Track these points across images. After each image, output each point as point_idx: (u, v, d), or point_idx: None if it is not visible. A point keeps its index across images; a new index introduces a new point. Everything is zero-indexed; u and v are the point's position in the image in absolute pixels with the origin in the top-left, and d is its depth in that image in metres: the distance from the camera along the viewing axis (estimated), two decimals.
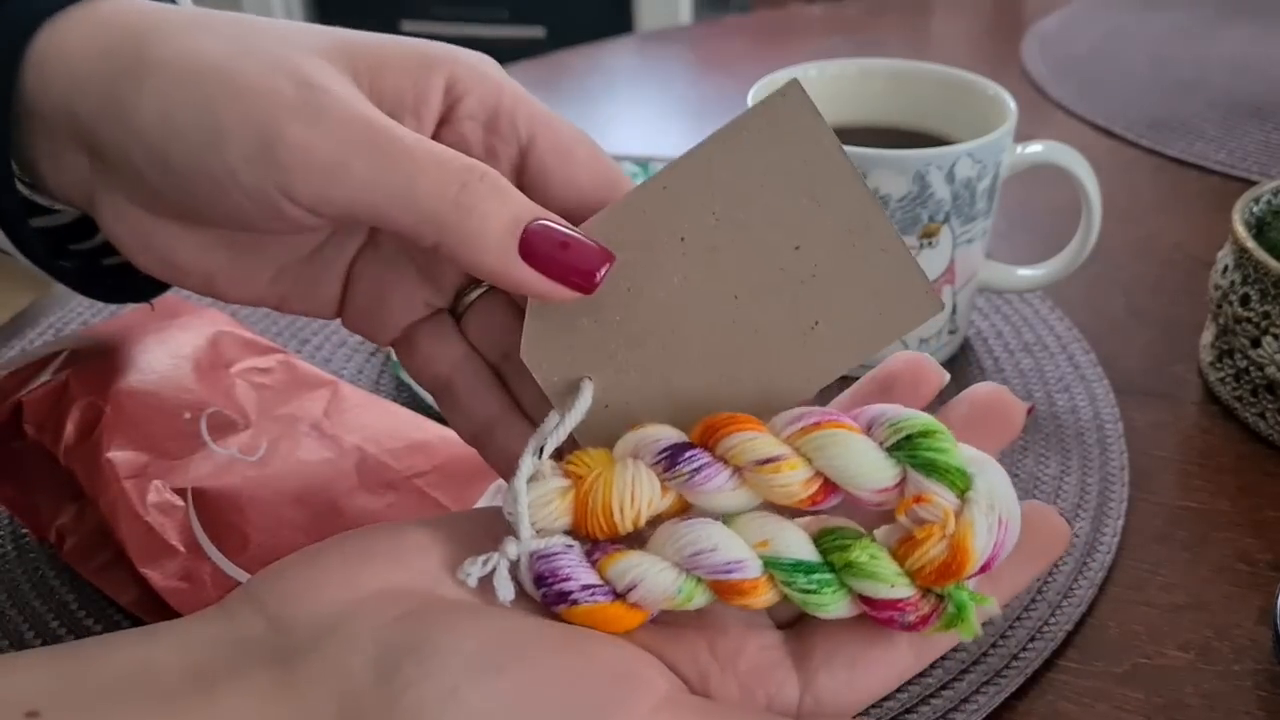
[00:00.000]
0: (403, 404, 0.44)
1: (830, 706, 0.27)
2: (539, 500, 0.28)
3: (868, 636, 0.28)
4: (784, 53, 0.89)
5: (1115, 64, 0.85)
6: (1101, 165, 0.50)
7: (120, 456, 0.36)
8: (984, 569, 0.27)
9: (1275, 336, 0.45)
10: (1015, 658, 0.37)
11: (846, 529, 0.28)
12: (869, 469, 0.27)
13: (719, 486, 0.28)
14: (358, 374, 0.51)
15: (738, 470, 0.28)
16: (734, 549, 0.28)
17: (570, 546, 0.28)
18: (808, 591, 0.27)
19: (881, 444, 0.28)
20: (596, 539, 0.29)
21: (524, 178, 0.30)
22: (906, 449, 0.27)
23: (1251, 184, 0.58)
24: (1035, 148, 0.48)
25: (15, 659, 0.25)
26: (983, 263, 0.50)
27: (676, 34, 1.06)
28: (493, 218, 0.27)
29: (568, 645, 0.26)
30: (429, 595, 0.27)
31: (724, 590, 0.28)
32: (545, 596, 0.28)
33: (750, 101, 0.48)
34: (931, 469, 0.27)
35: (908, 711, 0.35)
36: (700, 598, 0.28)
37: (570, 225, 0.28)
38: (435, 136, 0.29)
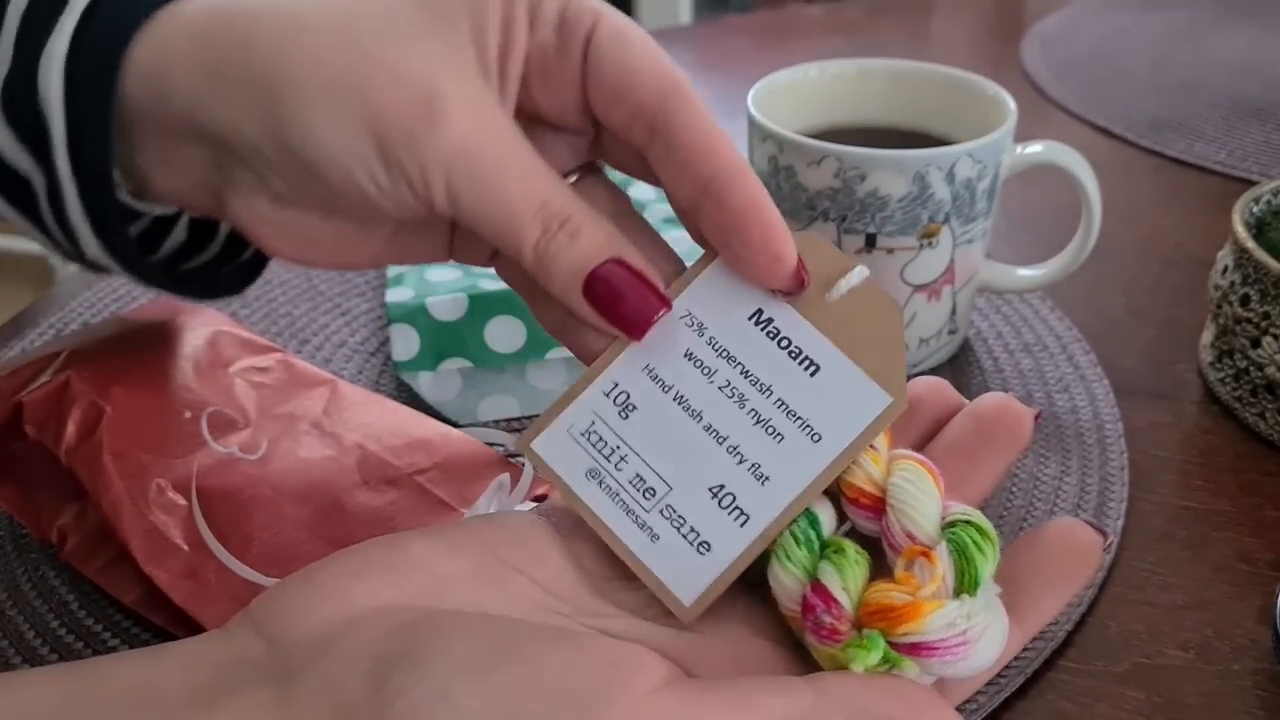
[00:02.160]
0: (403, 403, 0.44)
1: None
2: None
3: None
4: (784, 53, 0.89)
5: (1115, 64, 0.85)
6: (1101, 165, 0.50)
7: (121, 456, 0.36)
8: (915, 650, 0.26)
9: (1275, 337, 0.45)
10: (1015, 658, 0.37)
11: (851, 543, 0.28)
12: (923, 511, 0.28)
13: None
14: (358, 374, 0.51)
15: None
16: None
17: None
18: (794, 539, 0.28)
19: (943, 517, 0.28)
20: None
21: (587, 68, 0.31)
22: (958, 529, 0.27)
23: (1251, 184, 0.58)
24: (1035, 148, 0.48)
25: (19, 677, 0.26)
26: (983, 263, 0.50)
27: (676, 34, 1.06)
28: (561, 264, 0.30)
29: (561, 641, 0.26)
30: (426, 608, 0.27)
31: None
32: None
33: (750, 103, 0.48)
34: (960, 551, 0.27)
35: None
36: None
37: (641, 265, 0.30)
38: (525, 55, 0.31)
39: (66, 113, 0.30)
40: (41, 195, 0.32)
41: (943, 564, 0.27)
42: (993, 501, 0.43)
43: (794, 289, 0.30)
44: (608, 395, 0.30)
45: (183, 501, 0.36)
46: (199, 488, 0.37)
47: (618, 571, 0.29)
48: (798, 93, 0.52)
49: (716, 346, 0.30)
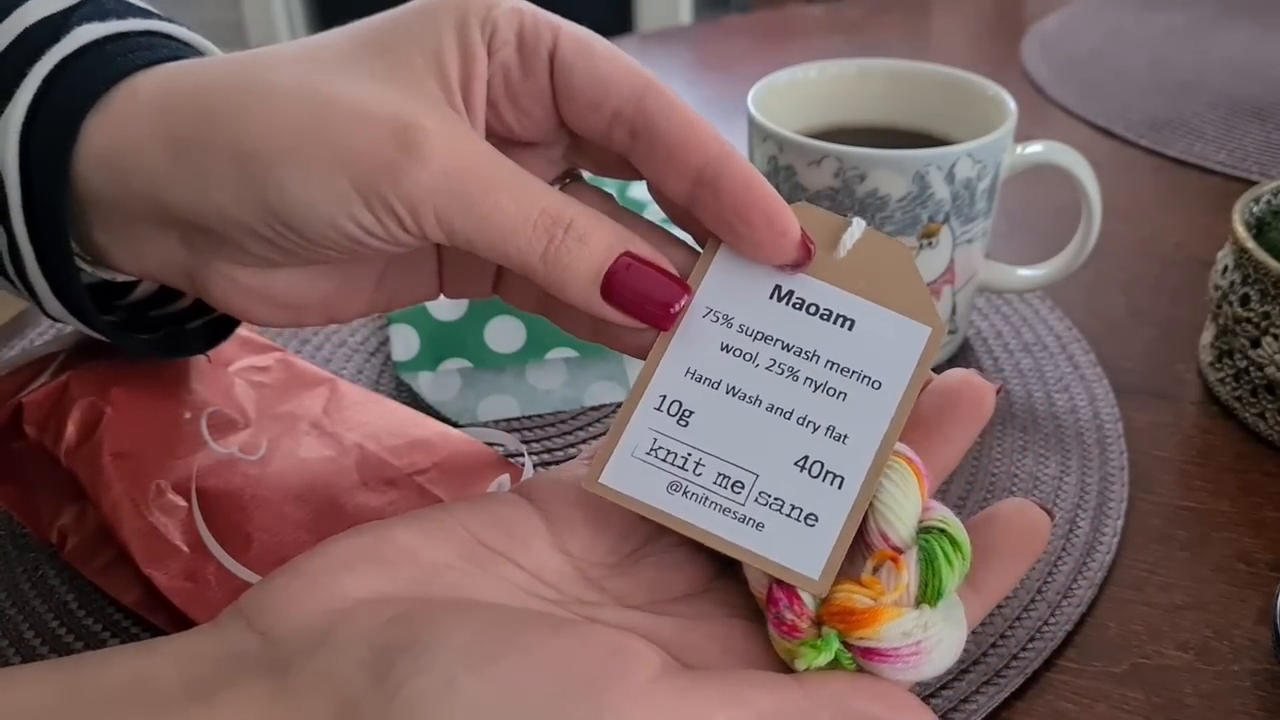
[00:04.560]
0: (403, 403, 0.44)
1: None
2: None
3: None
4: (784, 53, 0.89)
5: (1115, 64, 0.85)
6: (1102, 165, 0.50)
7: (121, 457, 0.36)
8: (867, 654, 0.27)
9: (1275, 337, 0.45)
10: (1015, 657, 0.37)
11: None
12: (901, 513, 0.28)
13: None
14: (357, 374, 0.51)
15: None
16: None
17: None
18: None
19: (921, 520, 0.28)
20: None
21: (555, 84, 0.31)
22: (932, 536, 0.28)
23: (1251, 184, 0.58)
24: (1035, 148, 0.48)
25: (13, 673, 0.25)
26: (983, 263, 0.50)
27: (676, 34, 1.06)
28: (575, 269, 0.29)
29: (559, 630, 0.26)
30: (418, 598, 0.27)
31: None
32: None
33: (750, 103, 0.48)
34: (928, 563, 0.27)
35: None
36: None
37: (653, 255, 0.30)
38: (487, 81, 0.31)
39: (22, 184, 0.30)
40: (3, 250, 0.32)
41: (909, 572, 0.27)
42: (992, 501, 0.43)
43: (803, 260, 0.30)
44: (660, 409, 0.30)
45: (182, 502, 0.36)
46: (199, 488, 0.37)
47: (603, 558, 0.29)
48: (798, 93, 0.52)
49: (749, 332, 0.30)
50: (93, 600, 0.39)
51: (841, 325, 0.30)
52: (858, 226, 0.30)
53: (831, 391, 0.29)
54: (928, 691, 0.36)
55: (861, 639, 0.26)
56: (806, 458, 0.29)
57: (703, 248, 0.31)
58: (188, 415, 0.38)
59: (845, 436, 0.29)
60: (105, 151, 0.30)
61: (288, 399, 0.41)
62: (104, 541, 0.37)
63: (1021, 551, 0.30)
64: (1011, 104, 0.48)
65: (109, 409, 0.37)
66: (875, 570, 0.27)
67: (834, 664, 0.27)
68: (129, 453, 0.37)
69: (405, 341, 0.48)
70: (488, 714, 0.24)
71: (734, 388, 0.30)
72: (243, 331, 0.43)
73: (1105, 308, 0.55)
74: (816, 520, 0.28)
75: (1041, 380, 0.50)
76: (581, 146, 0.33)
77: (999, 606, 0.38)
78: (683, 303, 0.30)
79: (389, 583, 0.27)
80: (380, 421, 0.41)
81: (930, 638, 0.27)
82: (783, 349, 0.30)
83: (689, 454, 0.29)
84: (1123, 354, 0.52)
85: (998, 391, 0.31)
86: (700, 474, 0.29)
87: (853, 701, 0.26)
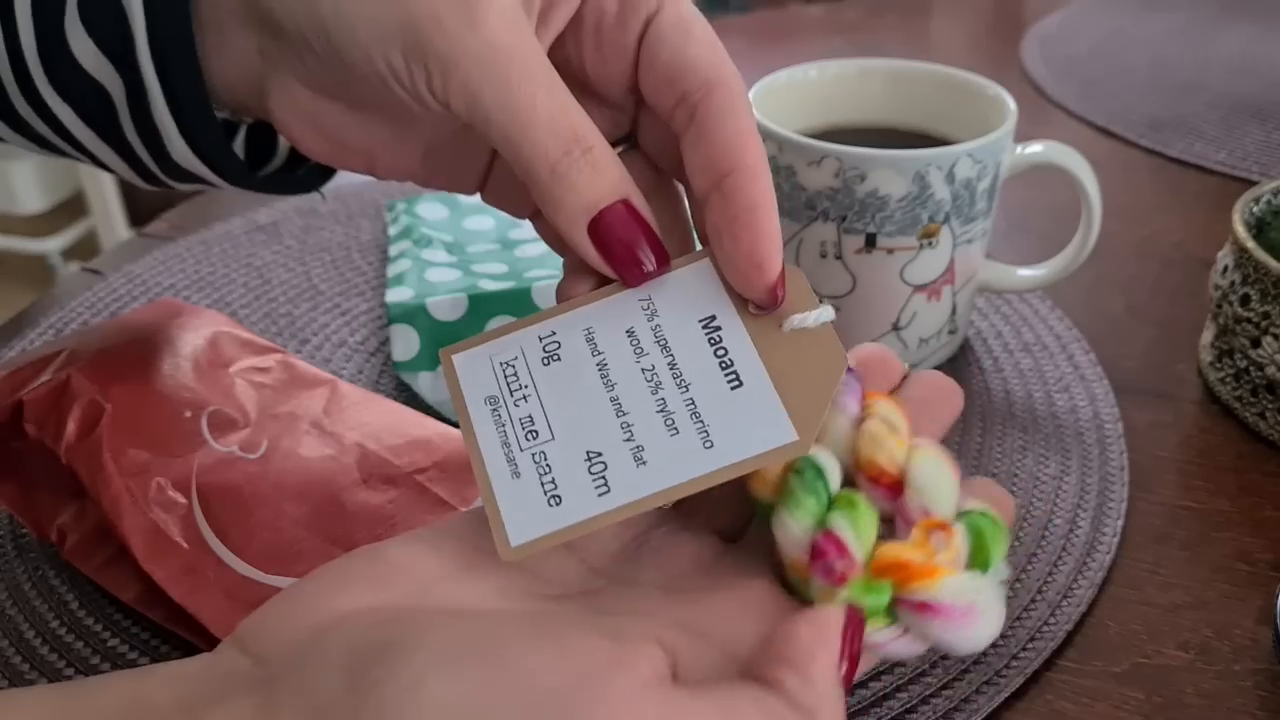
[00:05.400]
0: (403, 403, 0.44)
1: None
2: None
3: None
4: (784, 53, 0.89)
5: (1115, 65, 0.85)
6: (1101, 165, 0.50)
7: (121, 454, 0.36)
8: (920, 608, 0.26)
9: (1275, 336, 0.45)
10: (1015, 657, 0.37)
11: (859, 495, 0.28)
12: (942, 494, 0.28)
13: (843, 406, 0.29)
14: (357, 374, 0.51)
15: (865, 418, 0.29)
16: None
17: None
18: (801, 488, 0.27)
19: (958, 502, 0.28)
20: None
21: (643, 47, 0.31)
22: (974, 515, 0.28)
23: (1251, 184, 0.58)
24: (1035, 148, 0.48)
25: (11, 695, 0.26)
26: (982, 263, 0.50)
27: None
28: (576, 192, 0.29)
29: (542, 637, 0.25)
30: (407, 607, 0.27)
31: None
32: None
33: (750, 102, 0.48)
34: (976, 533, 0.27)
35: (908, 711, 0.35)
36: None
37: (649, 218, 0.30)
38: (579, 12, 0.31)
39: (146, 14, 0.30)
40: (121, 104, 0.32)
41: (959, 539, 0.27)
42: None
43: (767, 303, 0.30)
44: (541, 339, 0.31)
45: (182, 500, 0.36)
46: (199, 486, 0.37)
47: (606, 547, 0.29)
48: (798, 93, 0.52)
49: (658, 334, 0.30)
50: (93, 599, 0.39)
51: (730, 381, 0.29)
52: (823, 314, 0.30)
53: (669, 422, 0.29)
54: (928, 691, 0.36)
55: (916, 592, 0.26)
56: (600, 455, 0.29)
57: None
58: (188, 414, 0.38)
59: (644, 463, 0.28)
60: None
61: (288, 399, 0.41)
62: (104, 539, 0.37)
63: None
64: (1011, 104, 0.48)
65: (109, 407, 0.37)
66: (918, 534, 0.27)
67: (887, 620, 0.26)
68: (129, 450, 0.37)
69: (405, 341, 0.48)
70: (456, 714, 0.23)
71: (605, 365, 0.30)
72: (244, 333, 0.43)
73: (1105, 308, 0.55)
74: (559, 504, 0.28)
75: (1041, 380, 0.50)
76: (643, 122, 0.33)
77: None
78: (658, 269, 0.30)
79: (380, 597, 0.27)
80: (380, 421, 0.41)
81: (983, 601, 0.26)
82: (668, 365, 0.30)
83: (525, 385, 0.30)
84: (1123, 354, 0.52)
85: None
86: (518, 406, 0.30)
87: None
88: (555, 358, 0.30)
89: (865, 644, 0.27)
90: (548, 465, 0.29)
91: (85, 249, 1.98)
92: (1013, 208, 0.60)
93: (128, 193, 1.91)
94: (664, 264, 0.30)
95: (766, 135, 0.47)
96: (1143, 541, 0.42)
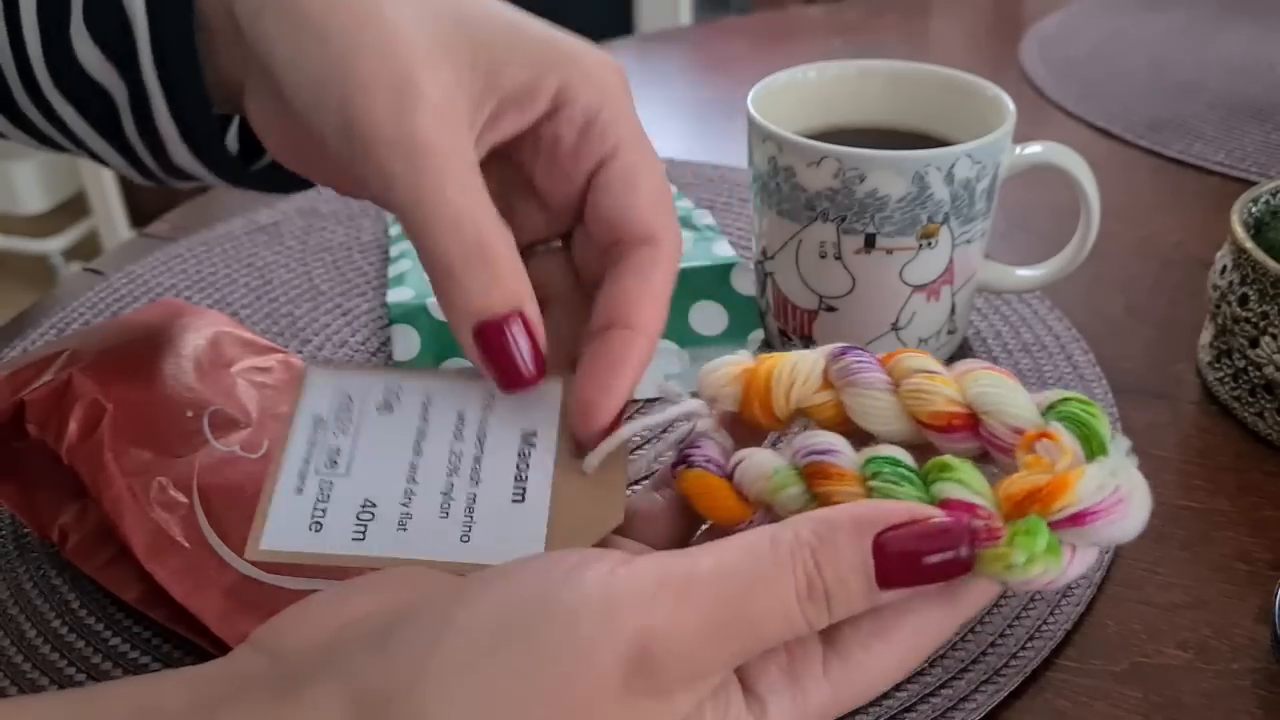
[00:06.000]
0: None
1: (856, 661, 0.27)
2: (716, 374, 0.31)
3: (894, 605, 0.27)
4: (784, 54, 0.89)
5: (1114, 65, 0.85)
6: (1101, 166, 0.50)
7: (123, 454, 0.36)
8: (1077, 520, 0.25)
9: (1273, 336, 0.45)
10: (1014, 656, 0.37)
11: (949, 456, 0.28)
12: (1014, 405, 0.28)
13: (871, 383, 0.29)
14: None
15: (895, 384, 0.29)
16: (836, 441, 0.29)
17: (720, 437, 0.31)
18: (890, 482, 0.27)
19: (1036, 404, 0.28)
20: (756, 420, 0.31)
21: (591, 185, 0.33)
22: (1057, 407, 0.27)
23: (1250, 184, 0.58)
24: (1034, 149, 0.48)
25: (26, 702, 0.26)
26: (982, 263, 0.50)
27: (676, 35, 1.06)
28: (467, 298, 0.30)
29: (537, 558, 0.27)
30: (420, 596, 0.27)
31: (814, 473, 0.28)
32: (674, 464, 0.31)
33: (749, 103, 0.48)
34: (1075, 423, 0.27)
35: (907, 710, 0.35)
36: (794, 488, 0.29)
37: (538, 331, 0.31)
38: (534, 127, 0.32)
39: (149, 22, 0.31)
40: (124, 107, 0.32)
41: (1065, 438, 0.26)
42: None
43: (585, 444, 0.31)
44: (386, 389, 0.33)
45: (184, 499, 0.36)
46: (200, 486, 0.37)
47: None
48: (797, 93, 0.52)
49: (482, 429, 0.32)
50: (95, 599, 0.39)
51: (515, 495, 0.31)
52: (602, 454, 0.31)
53: (444, 505, 0.31)
54: (928, 690, 0.36)
55: (1063, 509, 0.25)
56: (374, 506, 0.31)
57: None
58: (189, 414, 0.39)
59: (404, 530, 0.31)
60: None
61: (289, 399, 0.41)
62: (105, 539, 0.38)
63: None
64: (1010, 105, 0.48)
65: (111, 407, 0.37)
66: (1031, 452, 0.27)
67: (1049, 554, 0.25)
68: (130, 450, 0.37)
69: (405, 341, 0.48)
70: (481, 636, 0.25)
71: (425, 432, 0.32)
72: (245, 333, 0.43)
73: (1104, 308, 0.55)
74: (319, 530, 0.31)
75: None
76: (580, 235, 0.34)
77: (998, 606, 0.39)
78: (535, 380, 0.31)
79: (398, 596, 0.27)
80: None
81: (1125, 483, 0.26)
82: (473, 459, 0.32)
83: (351, 419, 0.33)
84: (1121, 354, 0.52)
85: None
86: (335, 435, 0.33)
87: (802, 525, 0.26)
88: (389, 409, 0.33)
89: (1052, 585, 0.26)
90: (328, 495, 0.31)
91: (87, 249, 1.98)
92: (1012, 208, 0.60)
93: (129, 193, 1.92)
94: (537, 380, 0.31)
95: (766, 135, 0.47)
96: (1142, 541, 0.41)
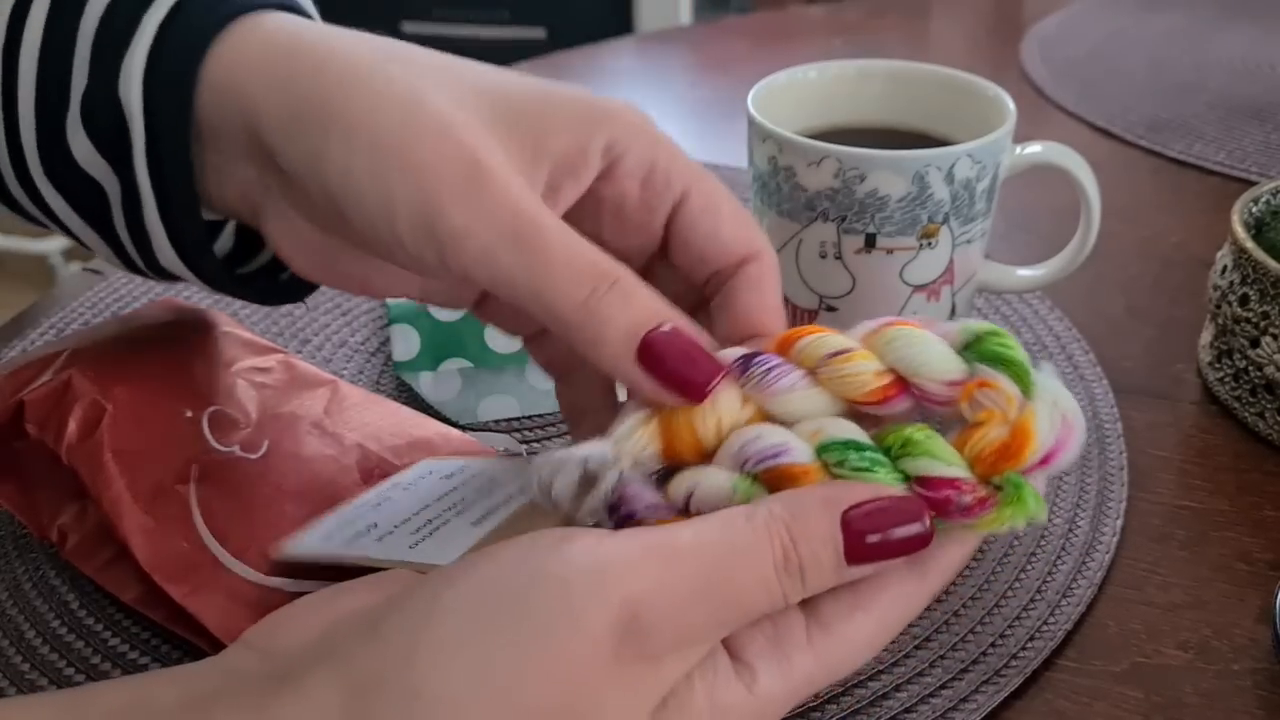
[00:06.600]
0: (404, 403, 0.44)
1: (838, 631, 0.27)
2: (624, 434, 0.29)
3: (870, 579, 0.28)
4: (784, 54, 0.89)
5: (1115, 65, 0.85)
6: (1101, 166, 0.50)
7: (122, 455, 0.36)
8: (1044, 461, 0.26)
9: (1274, 336, 0.45)
10: (1014, 657, 0.37)
11: (905, 426, 0.28)
12: (938, 359, 0.28)
13: (791, 385, 0.28)
14: (358, 374, 0.51)
15: (810, 372, 0.29)
16: (778, 435, 0.28)
17: (644, 478, 0.29)
18: (860, 469, 0.27)
19: (950, 344, 0.28)
20: (686, 461, 0.29)
21: (672, 229, 0.32)
22: (974, 347, 0.27)
23: (1251, 184, 0.58)
24: (1034, 148, 0.48)
25: (19, 702, 0.26)
26: (982, 263, 0.50)
27: (676, 35, 1.06)
28: (613, 324, 0.28)
29: (514, 541, 0.27)
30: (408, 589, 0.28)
31: (775, 478, 0.28)
32: (617, 524, 0.28)
33: (749, 103, 0.48)
34: (998, 361, 0.27)
35: (907, 711, 0.35)
36: (758, 494, 0.28)
37: (693, 333, 0.30)
38: (593, 190, 0.32)
39: (146, 127, 0.30)
40: (115, 203, 0.32)
41: (1003, 382, 0.27)
42: None
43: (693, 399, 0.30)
44: (435, 473, 0.38)
45: (183, 500, 0.36)
46: (199, 486, 0.37)
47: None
48: (797, 93, 0.52)
49: (485, 485, 0.36)
50: (93, 599, 0.39)
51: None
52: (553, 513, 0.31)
53: (427, 524, 0.35)
54: (928, 691, 0.36)
55: (1032, 455, 0.26)
56: (377, 526, 0.35)
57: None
58: (189, 414, 0.38)
59: (386, 534, 0.35)
60: (220, 82, 0.30)
61: (289, 399, 0.41)
62: (104, 539, 0.37)
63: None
64: (1011, 104, 0.48)
65: (110, 407, 0.37)
66: (975, 406, 0.27)
67: (1034, 504, 0.26)
68: (130, 450, 0.37)
69: (406, 341, 0.48)
70: (472, 611, 0.25)
71: (456, 498, 0.36)
72: (245, 334, 0.43)
73: (1104, 308, 0.55)
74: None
75: None
76: (661, 275, 0.33)
77: (998, 606, 0.39)
78: (716, 381, 0.29)
79: (387, 590, 0.28)
80: (381, 422, 0.41)
81: (1066, 407, 0.27)
82: (465, 502, 0.35)
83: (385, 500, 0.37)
84: (1122, 354, 0.52)
85: None
86: (380, 506, 0.36)
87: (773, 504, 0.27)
88: (411, 487, 0.38)
89: (1028, 527, 0.27)
90: (366, 505, 0.37)
91: (86, 249, 1.98)
92: (1012, 208, 0.60)
93: None
94: (722, 372, 0.29)
95: (766, 135, 0.47)
96: (1142, 541, 0.42)
